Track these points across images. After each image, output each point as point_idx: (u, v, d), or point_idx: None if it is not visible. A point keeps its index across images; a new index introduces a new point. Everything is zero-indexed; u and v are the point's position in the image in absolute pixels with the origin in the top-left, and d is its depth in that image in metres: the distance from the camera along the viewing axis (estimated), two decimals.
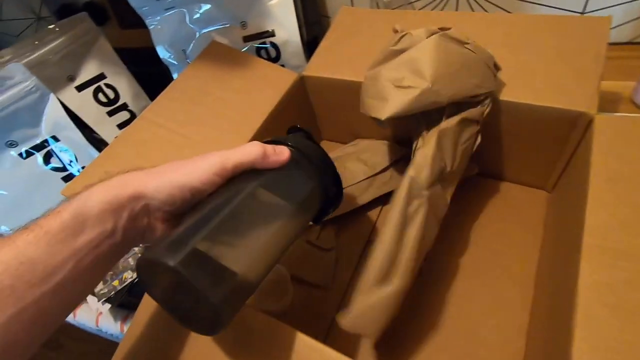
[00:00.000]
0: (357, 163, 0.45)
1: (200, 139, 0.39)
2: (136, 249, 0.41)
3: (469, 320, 0.33)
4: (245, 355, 0.24)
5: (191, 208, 0.22)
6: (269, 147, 0.24)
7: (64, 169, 0.48)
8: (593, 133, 0.28)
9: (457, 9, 0.53)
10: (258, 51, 0.51)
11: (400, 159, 0.45)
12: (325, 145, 0.51)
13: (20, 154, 0.46)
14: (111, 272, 0.44)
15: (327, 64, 0.43)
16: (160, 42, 0.50)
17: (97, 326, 0.51)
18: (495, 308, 0.33)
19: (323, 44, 0.45)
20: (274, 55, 0.52)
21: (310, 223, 0.30)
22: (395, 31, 0.36)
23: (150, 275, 0.20)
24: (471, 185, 0.39)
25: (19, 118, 0.43)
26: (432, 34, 0.32)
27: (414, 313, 0.34)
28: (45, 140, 0.46)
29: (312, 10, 0.58)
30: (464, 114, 0.31)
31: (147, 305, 0.29)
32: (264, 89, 0.42)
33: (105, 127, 0.55)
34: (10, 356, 0.18)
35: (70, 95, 0.52)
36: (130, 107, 0.57)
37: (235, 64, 0.44)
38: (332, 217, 0.43)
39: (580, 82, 0.32)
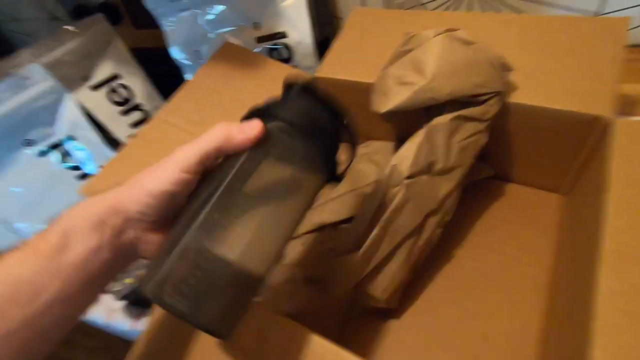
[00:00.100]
0: (369, 164, 0.45)
1: None
2: None
3: (478, 322, 0.32)
4: (261, 356, 0.24)
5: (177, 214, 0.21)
6: (234, 127, 0.21)
7: (79, 167, 0.49)
8: (611, 137, 0.28)
9: (470, 10, 0.53)
10: (270, 52, 0.52)
11: None
12: None
13: (37, 153, 0.47)
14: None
15: (339, 65, 0.43)
16: (174, 43, 0.51)
17: (108, 322, 0.51)
18: (505, 311, 0.33)
19: (335, 45, 0.45)
20: (286, 56, 0.52)
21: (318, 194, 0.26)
22: (406, 33, 0.37)
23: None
24: (483, 187, 0.39)
25: (36, 118, 0.44)
26: (439, 35, 0.32)
27: (421, 311, 0.34)
28: (62, 140, 0.47)
29: (324, 11, 0.58)
30: (460, 112, 0.31)
31: None
32: (277, 89, 0.43)
33: (119, 126, 0.55)
34: None
35: (85, 95, 0.53)
36: (144, 107, 0.57)
37: (248, 64, 0.44)
38: (342, 219, 0.43)
39: (596, 84, 0.32)
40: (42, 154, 0.47)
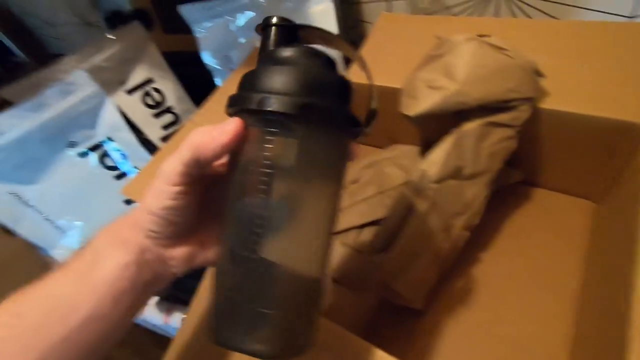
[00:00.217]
0: (395, 168, 0.46)
1: None
2: None
3: (508, 327, 0.33)
4: None
5: None
6: (206, 135, 0.18)
7: (116, 167, 0.52)
8: None
9: (497, 14, 0.53)
10: None
11: None
12: (362, 149, 0.52)
13: (79, 154, 0.49)
14: None
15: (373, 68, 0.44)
16: (206, 48, 0.53)
17: (144, 317, 0.54)
18: (535, 316, 0.33)
19: (362, 50, 0.46)
20: None
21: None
22: (438, 38, 0.37)
23: None
24: (512, 192, 0.39)
25: (80, 120, 0.47)
26: (470, 41, 0.33)
27: (448, 314, 0.34)
28: (102, 141, 0.50)
29: (350, 15, 0.59)
30: (490, 118, 0.32)
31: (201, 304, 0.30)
32: None
33: (152, 128, 0.58)
34: None
35: (121, 98, 0.55)
36: (175, 110, 0.60)
37: None
38: (370, 221, 0.44)
39: (630, 91, 0.31)
40: (82, 155, 0.50)
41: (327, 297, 0.38)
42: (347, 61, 0.47)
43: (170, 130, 0.60)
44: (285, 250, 0.18)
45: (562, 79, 0.34)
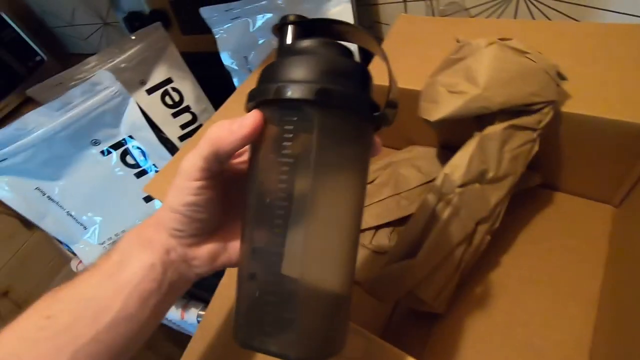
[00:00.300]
0: (412, 169, 0.46)
1: None
2: None
3: (527, 331, 0.32)
4: None
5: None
6: (225, 129, 0.18)
7: (136, 165, 0.53)
8: None
9: (516, 16, 0.52)
10: None
11: None
12: None
13: (102, 152, 0.51)
14: None
15: (384, 72, 0.45)
16: (224, 49, 0.53)
17: None
18: (553, 321, 0.32)
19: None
20: None
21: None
22: (457, 41, 0.37)
23: None
24: (531, 195, 0.39)
25: (103, 119, 0.48)
26: (492, 44, 0.33)
27: (467, 317, 0.34)
28: (123, 139, 0.51)
29: (366, 16, 0.59)
30: (513, 121, 0.32)
31: (220, 303, 0.31)
32: None
33: (170, 127, 0.59)
34: None
35: (141, 97, 0.57)
36: (193, 109, 0.61)
37: None
38: (385, 222, 0.44)
39: None
40: (105, 153, 0.51)
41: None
42: (366, 59, 0.47)
43: (188, 129, 0.61)
44: (309, 246, 0.17)
45: (583, 82, 0.34)
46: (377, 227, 0.44)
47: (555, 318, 0.33)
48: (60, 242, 0.58)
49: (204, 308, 0.52)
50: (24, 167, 0.46)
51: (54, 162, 0.48)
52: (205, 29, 0.54)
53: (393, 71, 0.19)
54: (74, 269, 0.62)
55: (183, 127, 0.60)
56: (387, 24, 0.60)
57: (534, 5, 0.50)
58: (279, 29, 0.20)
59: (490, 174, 0.32)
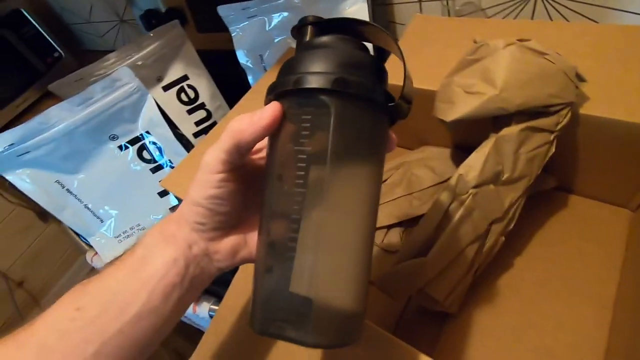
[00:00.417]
0: (425, 170, 0.46)
1: None
2: None
3: (541, 334, 0.32)
4: None
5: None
6: (245, 121, 0.19)
7: (153, 160, 0.54)
8: None
9: (533, 17, 0.52)
10: None
11: None
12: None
13: (119, 147, 0.52)
14: None
15: (400, 72, 0.45)
16: (240, 47, 0.54)
17: None
18: (567, 324, 0.32)
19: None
20: None
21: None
22: (475, 42, 0.37)
23: None
24: (546, 197, 0.39)
25: (122, 115, 0.49)
26: (510, 45, 0.33)
27: (480, 318, 0.34)
28: (141, 135, 0.52)
29: (381, 16, 0.59)
30: (530, 122, 0.32)
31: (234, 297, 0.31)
32: None
33: (185, 123, 0.60)
34: None
35: (157, 94, 0.58)
36: (207, 107, 0.62)
37: None
38: (398, 221, 0.45)
39: None
40: (122, 147, 0.53)
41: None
42: (382, 58, 0.47)
43: (203, 126, 0.62)
44: (326, 235, 0.18)
45: (602, 84, 0.34)
46: (389, 227, 0.44)
47: (569, 321, 0.33)
48: (77, 235, 0.59)
49: (216, 302, 0.52)
50: (45, 160, 0.48)
51: (73, 156, 0.49)
52: (220, 27, 0.55)
53: (408, 68, 0.20)
54: (89, 261, 0.63)
55: (198, 123, 0.61)
56: (402, 24, 0.60)
57: (552, 6, 0.50)
58: (298, 30, 0.21)
59: (505, 176, 0.32)
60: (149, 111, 0.50)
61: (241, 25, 0.52)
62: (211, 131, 0.46)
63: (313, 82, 0.17)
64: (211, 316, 0.52)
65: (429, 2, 0.56)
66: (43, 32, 0.87)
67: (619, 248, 0.35)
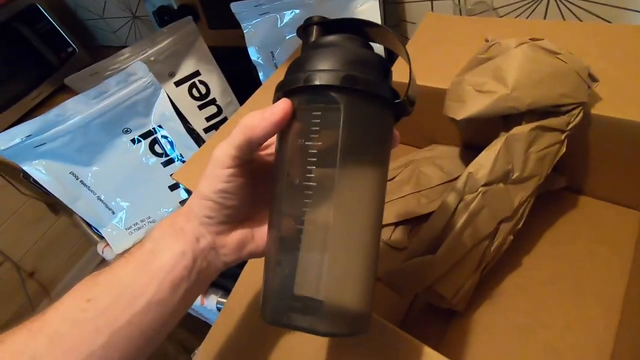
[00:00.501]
0: (434, 168, 0.46)
1: None
2: None
3: (548, 334, 0.32)
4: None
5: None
6: (257, 116, 0.20)
7: (164, 154, 0.55)
8: None
9: (546, 16, 0.52)
10: None
11: None
12: (399, 148, 0.53)
13: (132, 140, 0.53)
14: None
15: (404, 68, 0.45)
16: (252, 44, 0.55)
17: None
18: (574, 324, 0.32)
19: (407, 50, 0.47)
20: None
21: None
22: (486, 40, 0.37)
23: None
24: (555, 197, 0.39)
25: (135, 108, 0.50)
26: (522, 44, 0.33)
27: (487, 316, 0.34)
28: (153, 129, 0.53)
29: (392, 14, 0.60)
30: (541, 122, 0.32)
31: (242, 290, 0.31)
32: None
33: (196, 118, 0.61)
34: None
35: (170, 89, 0.59)
36: (218, 102, 0.63)
37: None
38: (405, 219, 0.45)
39: None
40: (135, 141, 0.53)
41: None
42: (391, 59, 0.47)
43: (213, 121, 0.63)
44: (335, 231, 0.18)
45: (615, 84, 0.33)
46: (396, 224, 0.45)
47: (577, 321, 0.33)
48: (89, 226, 0.60)
49: (224, 295, 0.53)
50: (61, 152, 0.49)
51: (88, 149, 0.50)
52: (232, 24, 0.55)
53: (414, 67, 0.20)
54: (100, 252, 0.64)
55: (208, 119, 0.62)
56: (413, 23, 0.60)
57: (565, 6, 0.50)
58: (304, 30, 0.22)
59: (515, 174, 0.32)
60: (162, 106, 0.51)
61: (253, 22, 0.53)
62: (222, 126, 0.47)
63: (323, 79, 0.18)
64: (219, 309, 0.53)
65: (440, 1, 0.56)
66: (58, 28, 0.89)
67: (628, 249, 0.35)
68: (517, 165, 0.32)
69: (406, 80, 0.20)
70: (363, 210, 0.19)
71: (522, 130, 0.32)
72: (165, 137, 0.54)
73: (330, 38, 0.20)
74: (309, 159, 0.18)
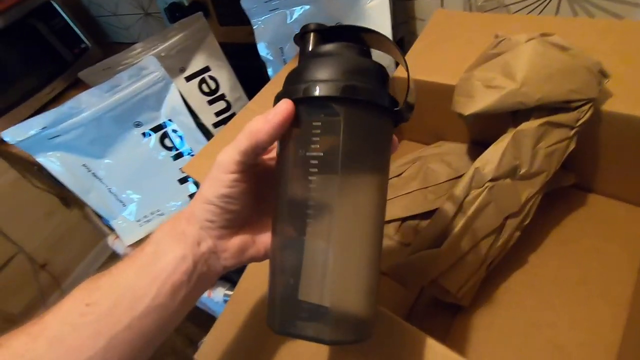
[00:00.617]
0: (441, 164, 0.46)
1: None
2: None
3: (553, 332, 0.32)
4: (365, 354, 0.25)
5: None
6: (260, 119, 0.20)
7: (174, 148, 0.56)
8: None
9: (557, 13, 0.51)
10: None
11: None
12: (406, 145, 0.53)
13: (143, 134, 0.54)
14: None
15: (419, 66, 0.45)
16: (261, 40, 0.55)
17: None
18: (581, 323, 0.32)
19: (416, 46, 0.47)
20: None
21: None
22: (496, 36, 0.37)
23: None
24: (563, 195, 0.39)
25: (147, 102, 0.51)
26: (532, 40, 0.32)
27: (492, 313, 0.34)
28: (163, 123, 0.54)
29: (401, 11, 0.59)
30: (550, 118, 0.31)
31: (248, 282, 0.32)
32: None
33: (206, 113, 0.62)
34: None
35: (180, 84, 0.59)
36: (227, 98, 0.63)
37: None
38: (412, 214, 0.45)
39: None
40: (146, 135, 0.54)
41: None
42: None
43: (222, 116, 0.64)
44: (337, 236, 0.18)
45: (627, 80, 0.33)
46: (403, 220, 0.45)
47: (583, 319, 0.32)
48: (100, 218, 0.62)
49: (231, 288, 0.54)
50: (74, 144, 0.50)
51: (100, 141, 0.51)
52: (241, 21, 0.56)
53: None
54: (110, 245, 0.66)
55: (218, 114, 0.63)
56: (422, 20, 0.60)
57: (576, 2, 0.49)
58: (301, 37, 0.21)
59: (523, 170, 0.32)
60: (172, 100, 0.52)
61: (263, 18, 0.53)
62: (231, 121, 0.47)
63: (322, 90, 0.18)
64: (225, 301, 0.53)
65: None
66: (71, 24, 0.90)
67: (637, 247, 0.35)
68: (524, 161, 0.32)
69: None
70: (365, 216, 0.19)
71: (530, 125, 0.32)
72: (175, 131, 0.55)
73: (328, 47, 0.20)
74: (310, 168, 0.18)
